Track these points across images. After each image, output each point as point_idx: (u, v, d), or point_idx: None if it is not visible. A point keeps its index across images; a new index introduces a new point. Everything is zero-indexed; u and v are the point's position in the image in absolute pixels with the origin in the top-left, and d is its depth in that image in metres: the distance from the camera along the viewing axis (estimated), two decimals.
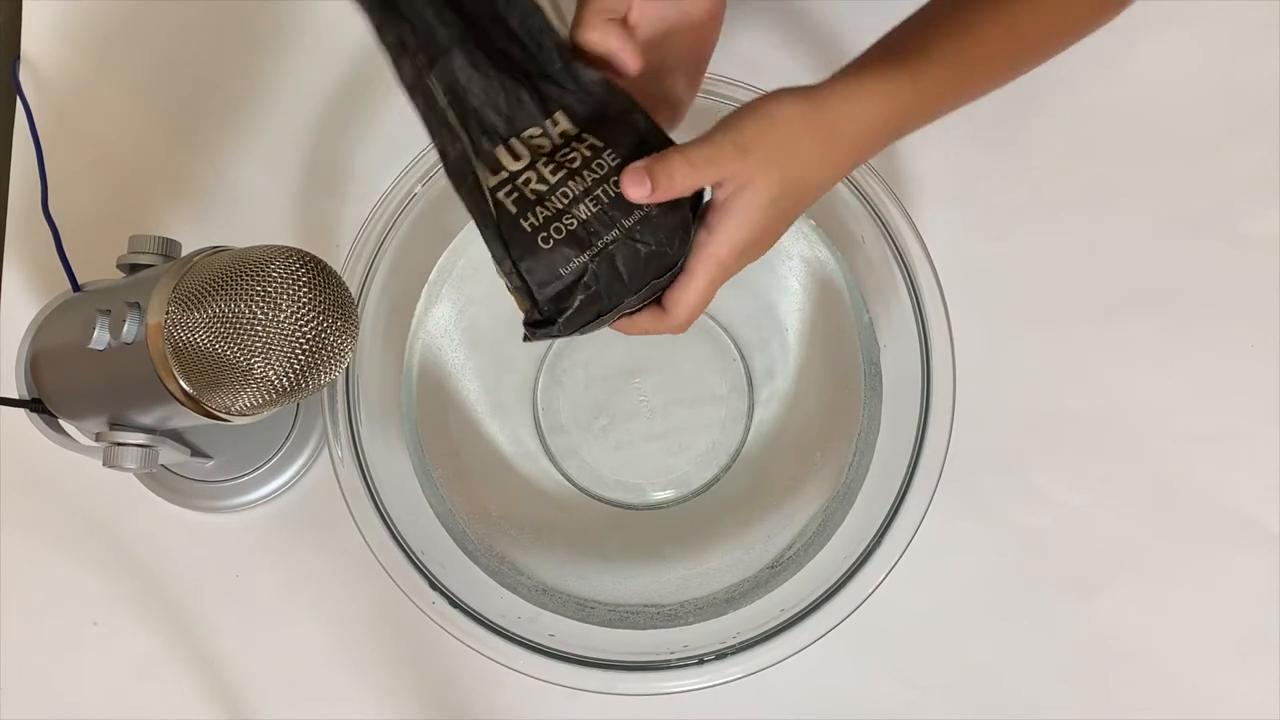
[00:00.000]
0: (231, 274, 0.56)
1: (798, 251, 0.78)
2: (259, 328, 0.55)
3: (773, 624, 0.69)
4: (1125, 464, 0.79)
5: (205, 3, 0.85)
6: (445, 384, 0.79)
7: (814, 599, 0.69)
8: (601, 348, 0.80)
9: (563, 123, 0.60)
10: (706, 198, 0.59)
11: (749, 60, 0.82)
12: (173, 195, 0.83)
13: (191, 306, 0.56)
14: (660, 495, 0.79)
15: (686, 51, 0.63)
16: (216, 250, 0.61)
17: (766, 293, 0.79)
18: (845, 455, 0.76)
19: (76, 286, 0.69)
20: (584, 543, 0.78)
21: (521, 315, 0.59)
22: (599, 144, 0.58)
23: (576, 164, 0.58)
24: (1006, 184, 0.81)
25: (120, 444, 0.65)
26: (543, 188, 0.58)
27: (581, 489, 0.79)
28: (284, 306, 0.55)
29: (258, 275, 0.55)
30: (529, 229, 0.57)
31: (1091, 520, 0.79)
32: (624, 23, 0.61)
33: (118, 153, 0.84)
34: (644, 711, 0.72)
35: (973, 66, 0.62)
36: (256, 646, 0.79)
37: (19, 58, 0.85)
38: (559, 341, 0.80)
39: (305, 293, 0.55)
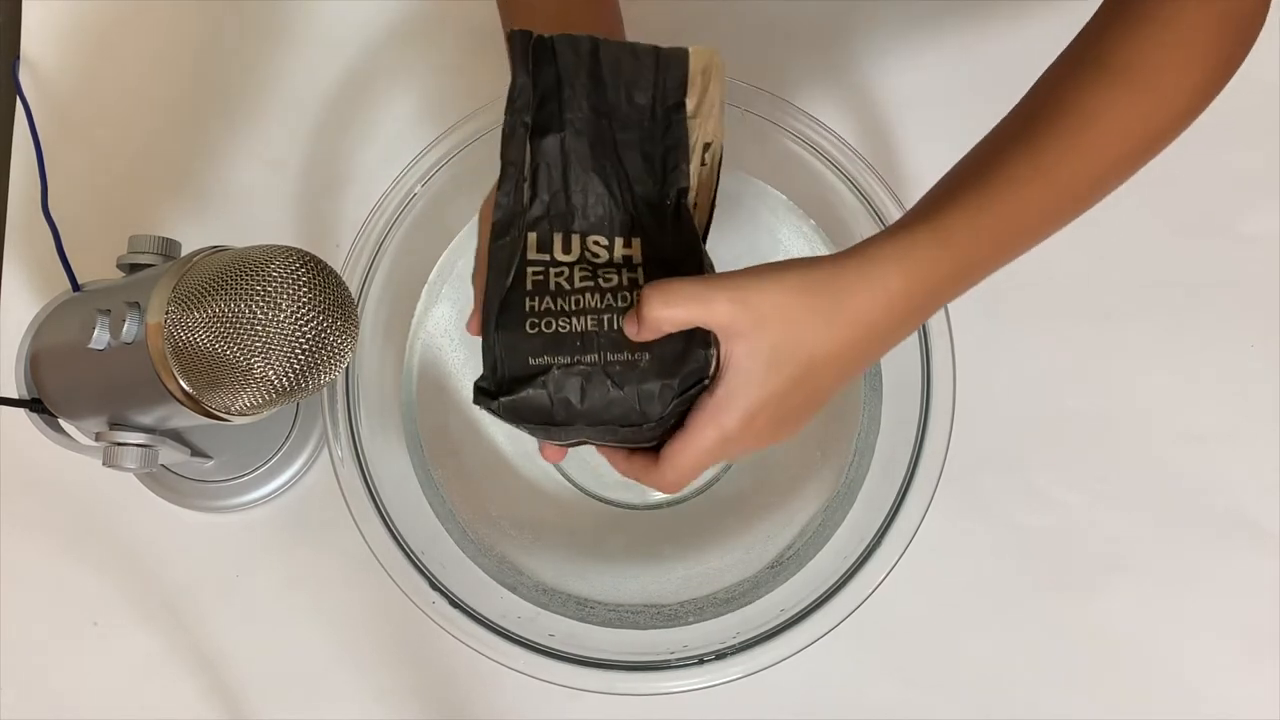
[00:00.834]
0: (231, 274, 0.56)
1: (797, 251, 0.78)
2: (259, 327, 0.55)
3: (773, 624, 0.69)
4: (1125, 464, 0.79)
5: (205, 3, 0.85)
6: (445, 384, 0.79)
7: (814, 599, 0.69)
8: None
9: (634, 251, 0.60)
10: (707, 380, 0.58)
11: (750, 59, 0.82)
12: (173, 195, 0.83)
13: (191, 306, 0.56)
14: (660, 495, 0.79)
15: None
16: (216, 250, 0.61)
17: None
18: (845, 455, 0.76)
19: (76, 286, 0.69)
20: (584, 543, 0.78)
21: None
22: (639, 280, 0.59)
23: (609, 284, 0.58)
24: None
25: (120, 444, 0.65)
26: (566, 286, 0.59)
27: (581, 489, 0.79)
28: (284, 306, 0.55)
29: (258, 275, 0.55)
30: (526, 309, 0.58)
31: (1091, 520, 0.79)
32: None
33: (118, 153, 0.84)
34: (644, 711, 0.72)
35: (1010, 221, 0.56)
36: (256, 646, 0.79)
37: (19, 58, 0.85)
38: None
39: (305, 292, 0.55)
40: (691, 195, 0.60)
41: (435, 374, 0.79)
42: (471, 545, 0.75)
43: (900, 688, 0.78)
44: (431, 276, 0.78)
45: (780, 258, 0.78)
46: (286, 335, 0.55)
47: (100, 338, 0.60)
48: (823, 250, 0.77)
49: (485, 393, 0.57)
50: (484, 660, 0.69)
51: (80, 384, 0.65)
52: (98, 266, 0.71)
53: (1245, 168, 0.81)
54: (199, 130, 0.84)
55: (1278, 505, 0.79)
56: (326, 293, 0.56)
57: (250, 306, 0.55)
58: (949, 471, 0.69)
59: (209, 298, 0.56)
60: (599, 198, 0.61)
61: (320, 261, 0.57)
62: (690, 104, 0.60)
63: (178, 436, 0.72)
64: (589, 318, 0.57)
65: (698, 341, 0.56)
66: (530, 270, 0.59)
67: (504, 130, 0.60)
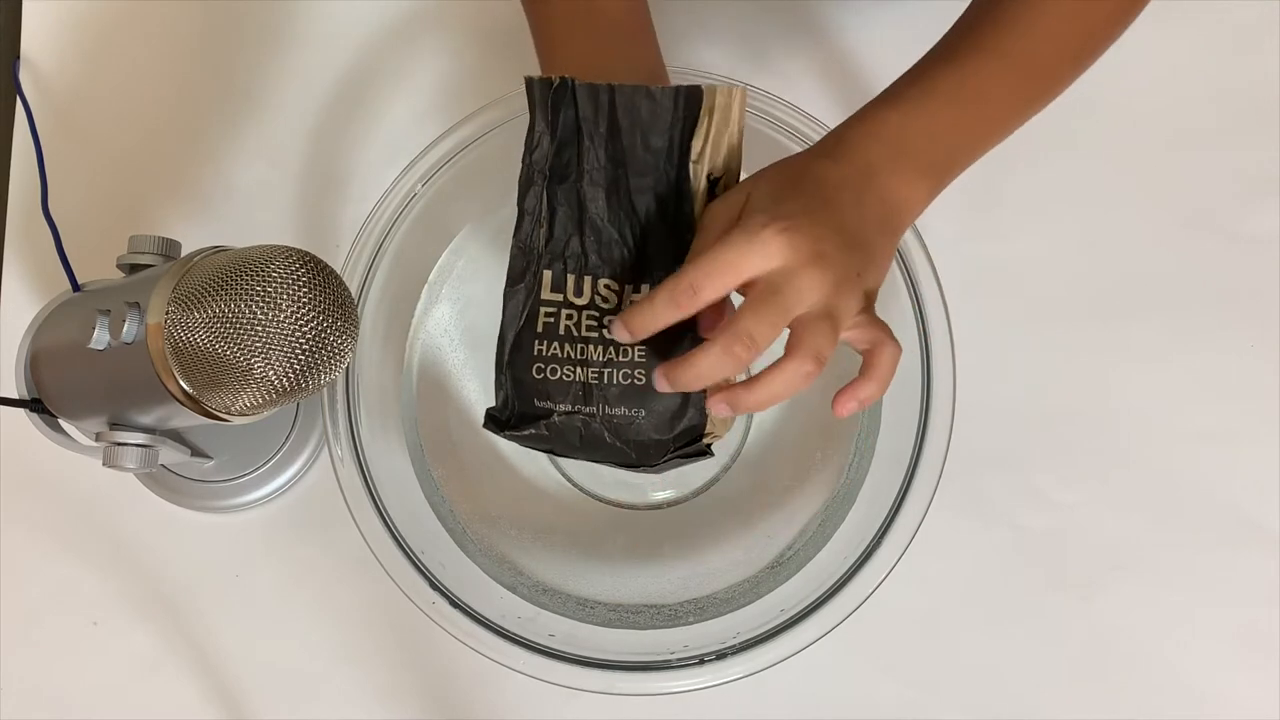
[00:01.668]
0: (231, 274, 0.56)
1: None
2: (259, 328, 0.55)
3: (773, 624, 0.69)
4: (1125, 464, 0.79)
5: (205, 3, 0.85)
6: (445, 384, 0.79)
7: (814, 599, 0.69)
8: None
9: (642, 299, 0.60)
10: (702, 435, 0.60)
11: (750, 59, 0.82)
12: (173, 195, 0.83)
13: (191, 306, 0.56)
14: (660, 495, 0.79)
15: None
16: (216, 250, 0.61)
17: None
18: (845, 455, 0.76)
19: (76, 286, 0.69)
20: (584, 543, 0.78)
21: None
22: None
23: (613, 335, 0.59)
24: (1006, 184, 0.81)
25: (120, 444, 0.65)
26: (575, 333, 0.60)
27: (581, 489, 0.79)
28: (284, 306, 0.55)
29: (258, 275, 0.55)
30: (534, 353, 0.60)
31: (1091, 520, 0.79)
32: None
33: (118, 153, 0.84)
34: (644, 711, 0.72)
35: (981, 88, 0.61)
36: (256, 646, 0.79)
37: (19, 58, 0.85)
38: None
39: (305, 293, 0.55)
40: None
41: (435, 374, 0.79)
42: (471, 545, 0.75)
43: (900, 688, 0.78)
44: (431, 276, 0.78)
45: None
46: (286, 335, 0.55)
47: (100, 338, 0.60)
48: None
49: (495, 421, 0.61)
50: (484, 660, 0.69)
51: (80, 384, 0.65)
52: (98, 266, 0.71)
53: (1245, 168, 0.81)
54: (199, 130, 0.84)
55: (1278, 505, 0.79)
56: (326, 293, 0.56)
57: (250, 307, 0.55)
58: (949, 471, 0.69)
59: (209, 298, 0.56)
60: (612, 244, 0.61)
61: (320, 261, 0.57)
62: (696, 146, 0.61)
63: (178, 436, 0.72)
64: (591, 370, 0.60)
65: (693, 401, 0.59)
66: (543, 311, 0.61)
67: (521, 178, 0.61)
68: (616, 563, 0.78)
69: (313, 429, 0.80)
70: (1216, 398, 0.80)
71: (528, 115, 0.62)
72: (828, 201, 0.57)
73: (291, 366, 0.56)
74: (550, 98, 0.60)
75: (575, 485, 0.79)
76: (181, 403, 0.59)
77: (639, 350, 0.59)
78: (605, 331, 0.60)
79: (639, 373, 0.60)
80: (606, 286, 0.61)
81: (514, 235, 0.61)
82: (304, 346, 0.56)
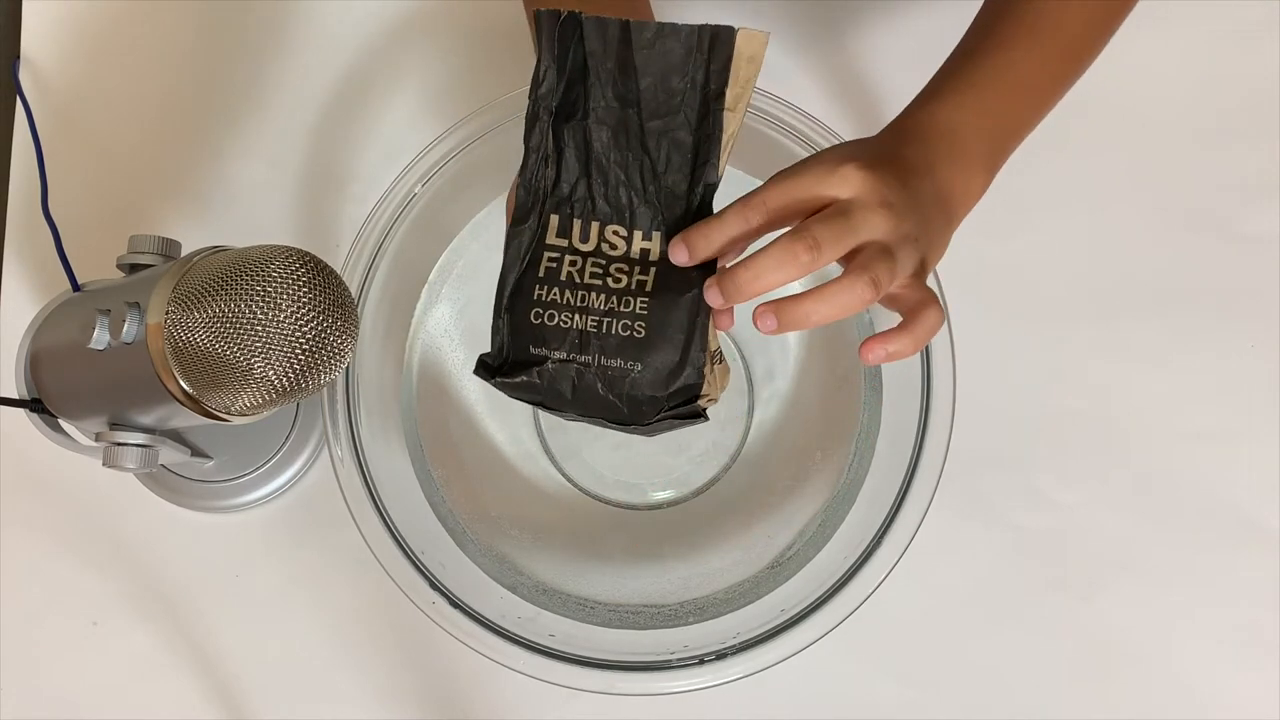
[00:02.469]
0: (231, 274, 0.56)
1: None
2: (259, 328, 0.55)
3: (773, 624, 0.69)
4: (1125, 464, 0.79)
5: (205, 2, 0.85)
6: (445, 384, 0.79)
7: (814, 599, 0.69)
8: None
9: (653, 245, 0.59)
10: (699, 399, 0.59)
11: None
12: (173, 195, 0.83)
13: (191, 306, 0.56)
14: (660, 495, 0.79)
15: None
16: (216, 250, 0.61)
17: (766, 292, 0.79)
18: (845, 455, 0.76)
19: (76, 286, 0.69)
20: (584, 543, 0.78)
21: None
22: (647, 285, 0.59)
23: (617, 285, 0.59)
24: (1006, 184, 0.81)
25: (120, 444, 0.65)
26: (577, 279, 0.59)
27: (581, 489, 0.79)
28: (284, 306, 0.55)
29: (258, 275, 0.55)
30: (534, 298, 0.59)
31: (1091, 520, 0.79)
32: None
33: (118, 153, 0.84)
34: (644, 711, 0.72)
35: (1010, 74, 0.62)
36: (256, 646, 0.79)
37: (19, 58, 0.85)
38: None
39: (305, 293, 0.55)
40: None
41: (435, 374, 0.79)
42: (471, 545, 0.75)
43: (900, 688, 0.78)
44: (431, 276, 0.78)
45: None
46: (286, 335, 0.55)
47: (100, 338, 0.60)
48: None
49: (486, 368, 0.59)
50: (484, 660, 0.69)
51: (80, 384, 0.65)
52: (98, 266, 0.71)
53: (1245, 168, 0.81)
54: (199, 130, 0.84)
55: (1278, 505, 0.79)
56: (326, 293, 0.56)
57: (250, 306, 0.55)
58: (949, 471, 0.69)
59: (209, 298, 0.56)
60: (621, 187, 0.60)
61: (320, 261, 0.57)
62: (730, 94, 0.59)
63: (178, 436, 0.72)
64: (590, 318, 0.58)
65: (691, 360, 0.58)
66: (546, 255, 0.59)
67: (527, 114, 0.59)
68: (616, 563, 0.78)
69: (313, 429, 0.80)
70: (1216, 398, 0.80)
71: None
72: (899, 175, 0.58)
73: (291, 366, 0.56)
74: (557, 31, 0.58)
75: (575, 485, 0.79)
76: (181, 403, 0.59)
77: (641, 302, 0.58)
78: (610, 280, 0.59)
79: (639, 325, 0.58)
80: (614, 233, 0.60)
81: (519, 174, 0.59)
82: (304, 346, 0.56)
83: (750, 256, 0.55)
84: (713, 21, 0.58)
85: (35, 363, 0.68)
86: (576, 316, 0.58)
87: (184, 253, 0.63)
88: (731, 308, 0.58)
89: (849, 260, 0.56)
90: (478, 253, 0.78)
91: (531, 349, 0.59)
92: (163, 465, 0.78)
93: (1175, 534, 0.79)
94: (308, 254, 0.57)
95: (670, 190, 0.59)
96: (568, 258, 0.59)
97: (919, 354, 0.70)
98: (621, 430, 0.60)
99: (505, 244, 0.59)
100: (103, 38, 0.85)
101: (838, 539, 0.72)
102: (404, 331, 0.77)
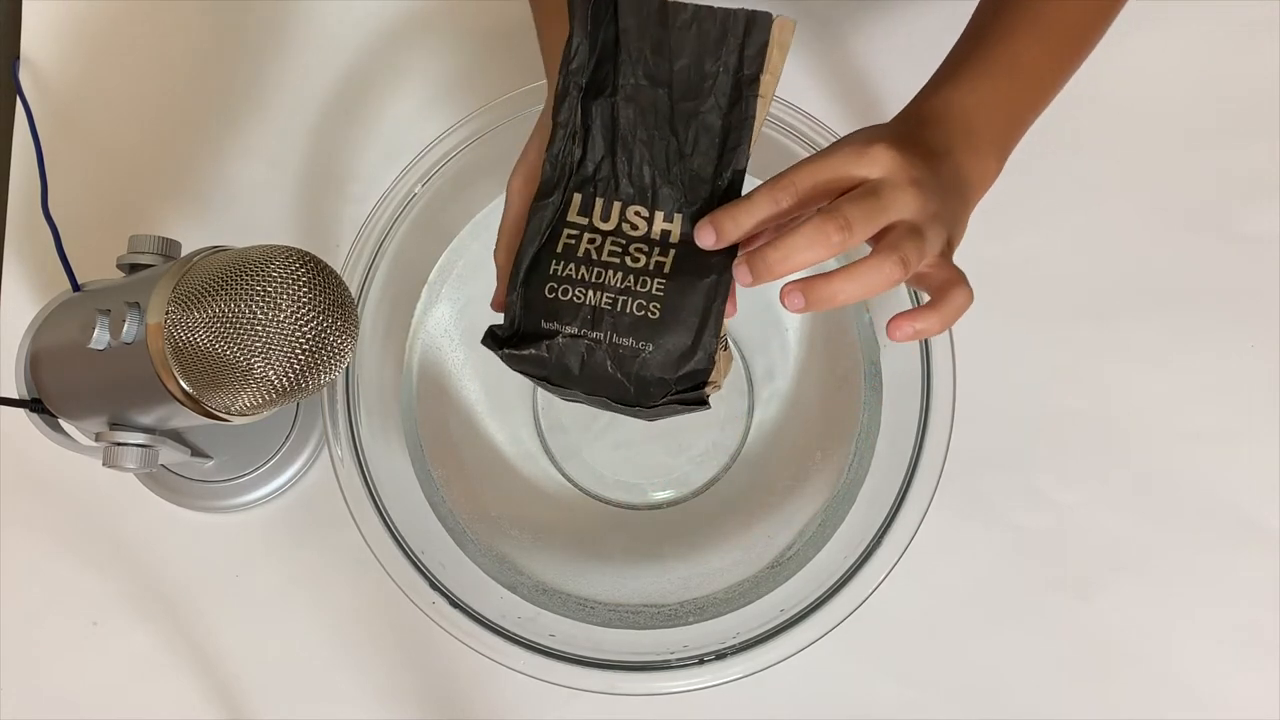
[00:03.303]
0: (231, 274, 0.56)
1: None
2: (259, 327, 0.55)
3: (773, 624, 0.69)
4: (1125, 464, 0.79)
5: (205, 2, 0.85)
6: (445, 384, 0.79)
7: (814, 599, 0.69)
8: None
9: (674, 227, 0.59)
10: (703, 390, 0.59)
11: None
12: (173, 195, 0.83)
13: (191, 306, 0.56)
14: (660, 495, 0.79)
15: None
16: (216, 250, 0.61)
17: (766, 293, 0.79)
18: (845, 455, 0.76)
19: (76, 286, 0.69)
20: (584, 543, 0.78)
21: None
22: (665, 267, 0.58)
23: (635, 265, 0.58)
24: (1006, 184, 0.81)
25: (120, 444, 0.65)
26: (595, 256, 0.58)
27: (581, 489, 0.79)
28: (284, 306, 0.55)
29: (258, 275, 0.55)
30: (550, 272, 0.58)
31: (1091, 520, 0.79)
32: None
33: (118, 153, 0.84)
34: (644, 711, 0.72)
35: (1015, 62, 0.63)
36: (256, 646, 0.79)
37: (19, 58, 0.85)
38: None
39: (305, 293, 0.55)
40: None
41: (435, 374, 0.79)
42: (471, 545, 0.75)
43: (900, 688, 0.78)
44: (431, 276, 0.78)
45: None
46: (286, 335, 0.55)
47: (100, 338, 0.60)
48: None
49: (495, 338, 0.59)
50: (484, 660, 0.69)
51: (80, 384, 0.65)
52: (98, 266, 0.71)
53: (1245, 168, 0.81)
54: (199, 130, 0.84)
55: (1278, 505, 0.79)
56: (326, 293, 0.56)
57: (250, 306, 0.55)
58: (949, 471, 0.69)
59: (209, 298, 0.56)
60: (645, 166, 0.59)
61: (320, 261, 0.57)
62: (763, 81, 0.59)
63: (178, 436, 0.72)
64: (605, 295, 0.58)
65: (703, 344, 0.57)
66: (566, 232, 0.59)
67: (557, 90, 0.59)
68: (616, 563, 0.78)
69: (313, 429, 0.80)
70: (1216, 398, 0.80)
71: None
72: (923, 156, 0.58)
73: (291, 366, 0.56)
74: (591, 8, 0.58)
75: (575, 485, 0.79)
76: (181, 403, 0.59)
77: (658, 284, 0.57)
78: (629, 259, 0.58)
79: (655, 306, 0.57)
80: (636, 213, 0.59)
81: (547, 149, 0.59)
82: (304, 346, 0.56)
83: (781, 236, 0.55)
84: None
85: (35, 363, 0.68)
86: (591, 293, 0.58)
87: (184, 253, 0.63)
88: (735, 295, 0.58)
89: (877, 240, 0.56)
90: (478, 253, 0.78)
91: (543, 323, 0.58)
92: (163, 465, 0.78)
93: (1175, 534, 0.79)
94: (308, 254, 0.57)
95: (696, 173, 0.59)
96: (586, 235, 0.59)
97: (919, 354, 0.71)
98: (624, 411, 0.59)
99: (528, 216, 0.59)
100: (103, 38, 0.85)
101: (838, 539, 0.72)
102: (404, 331, 0.77)
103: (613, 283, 0.58)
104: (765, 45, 0.58)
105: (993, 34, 0.63)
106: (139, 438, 0.65)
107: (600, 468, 0.79)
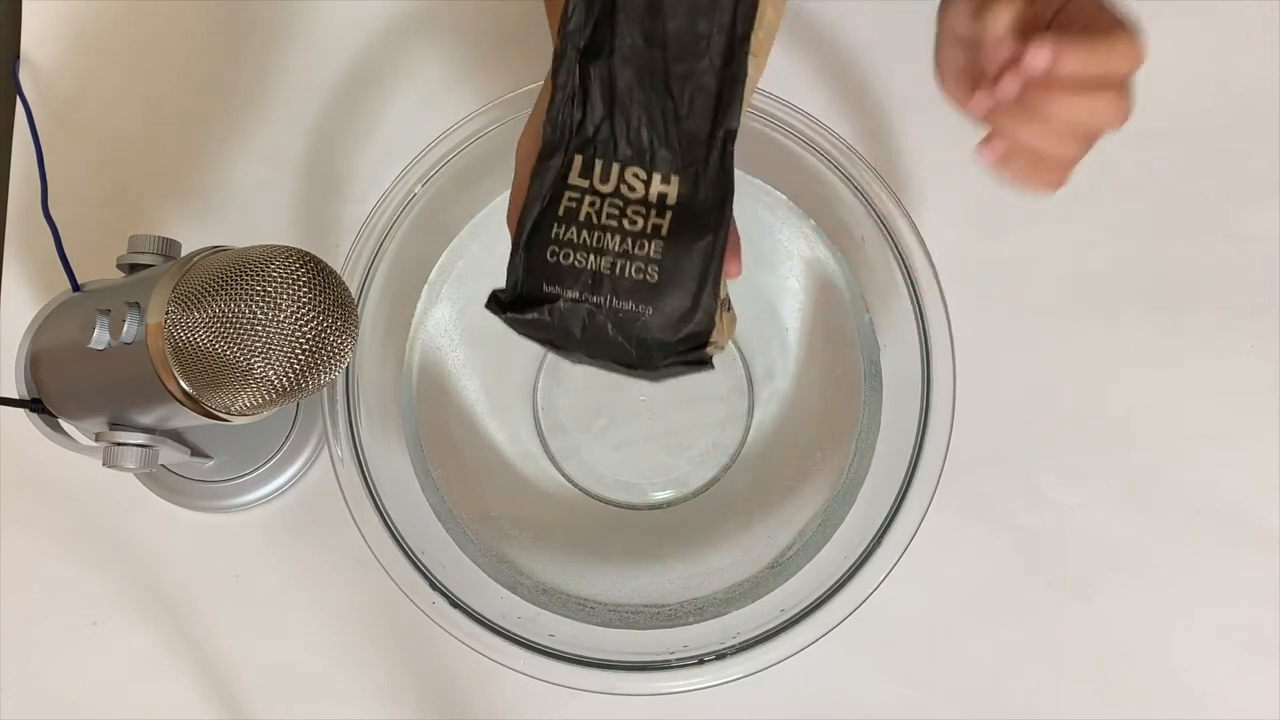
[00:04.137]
0: (231, 274, 0.56)
1: (798, 251, 0.78)
2: (259, 327, 0.55)
3: (773, 624, 0.69)
4: (1125, 464, 0.79)
5: (205, 2, 0.85)
6: (445, 384, 0.79)
7: (814, 599, 0.69)
8: None
9: (670, 189, 0.59)
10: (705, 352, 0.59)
11: None
12: (173, 195, 0.83)
13: (191, 306, 0.56)
14: (660, 495, 0.79)
15: None
16: (216, 250, 0.61)
17: (766, 293, 0.79)
18: (845, 455, 0.76)
19: (76, 286, 0.69)
20: (584, 543, 0.78)
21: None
22: (662, 229, 0.58)
23: (633, 229, 0.58)
24: (1006, 184, 0.81)
25: (120, 444, 0.65)
26: (595, 219, 0.58)
27: (581, 489, 0.79)
28: (284, 306, 0.55)
29: (258, 275, 0.55)
30: (551, 236, 0.58)
31: (1091, 520, 0.79)
32: None
33: (118, 153, 0.84)
34: (644, 711, 0.72)
35: None
36: (256, 646, 0.79)
37: (19, 58, 0.85)
38: None
39: (305, 293, 0.55)
40: None
41: (435, 374, 0.79)
42: (471, 545, 0.75)
43: (900, 688, 0.78)
44: (431, 276, 0.78)
45: (780, 258, 0.78)
46: (286, 335, 0.55)
47: (100, 338, 0.60)
48: (823, 250, 0.77)
49: (498, 303, 0.59)
50: (484, 660, 0.69)
51: (80, 384, 0.65)
52: (98, 266, 0.71)
53: (1245, 168, 0.81)
54: (199, 130, 0.84)
55: (1278, 505, 0.79)
56: (326, 293, 0.56)
57: (250, 306, 0.55)
58: (949, 471, 0.69)
59: (209, 298, 0.56)
60: (643, 128, 0.59)
61: (320, 261, 0.57)
62: (755, 39, 0.58)
63: (178, 436, 0.72)
64: (605, 259, 0.58)
65: (703, 305, 0.57)
66: (567, 194, 0.59)
67: (555, 51, 0.59)
68: (616, 563, 0.78)
69: (313, 429, 0.80)
70: (1216, 398, 0.80)
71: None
72: None
73: (291, 366, 0.56)
74: None
75: (575, 485, 0.79)
76: (181, 403, 0.59)
77: (656, 246, 0.57)
78: (626, 222, 0.58)
79: (653, 269, 0.57)
80: (634, 175, 0.59)
81: (546, 110, 0.59)
82: (304, 346, 0.56)
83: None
84: None
85: (35, 363, 0.68)
86: (591, 257, 0.58)
87: (184, 253, 0.63)
88: (739, 257, 0.59)
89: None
90: (478, 253, 0.78)
91: (545, 286, 0.58)
92: (163, 465, 0.78)
93: (1175, 534, 0.79)
94: (308, 254, 0.57)
95: (691, 135, 0.59)
96: (588, 198, 0.59)
97: (919, 354, 0.71)
98: (628, 374, 0.59)
99: (530, 179, 0.59)
100: (103, 38, 0.85)
101: (838, 539, 0.72)
102: (404, 331, 0.77)
103: (611, 246, 0.58)
104: (756, 5, 0.58)
105: None
106: (139, 438, 0.65)
107: (600, 468, 0.79)
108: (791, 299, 0.79)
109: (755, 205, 0.77)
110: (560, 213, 0.58)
